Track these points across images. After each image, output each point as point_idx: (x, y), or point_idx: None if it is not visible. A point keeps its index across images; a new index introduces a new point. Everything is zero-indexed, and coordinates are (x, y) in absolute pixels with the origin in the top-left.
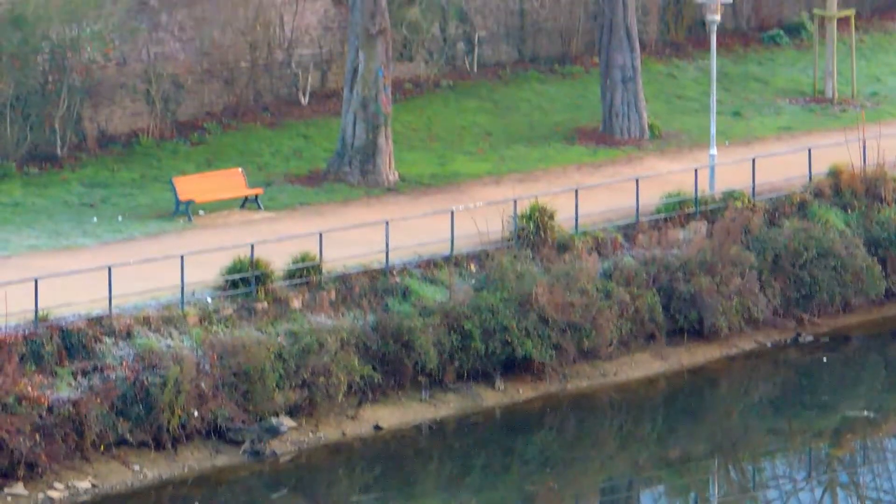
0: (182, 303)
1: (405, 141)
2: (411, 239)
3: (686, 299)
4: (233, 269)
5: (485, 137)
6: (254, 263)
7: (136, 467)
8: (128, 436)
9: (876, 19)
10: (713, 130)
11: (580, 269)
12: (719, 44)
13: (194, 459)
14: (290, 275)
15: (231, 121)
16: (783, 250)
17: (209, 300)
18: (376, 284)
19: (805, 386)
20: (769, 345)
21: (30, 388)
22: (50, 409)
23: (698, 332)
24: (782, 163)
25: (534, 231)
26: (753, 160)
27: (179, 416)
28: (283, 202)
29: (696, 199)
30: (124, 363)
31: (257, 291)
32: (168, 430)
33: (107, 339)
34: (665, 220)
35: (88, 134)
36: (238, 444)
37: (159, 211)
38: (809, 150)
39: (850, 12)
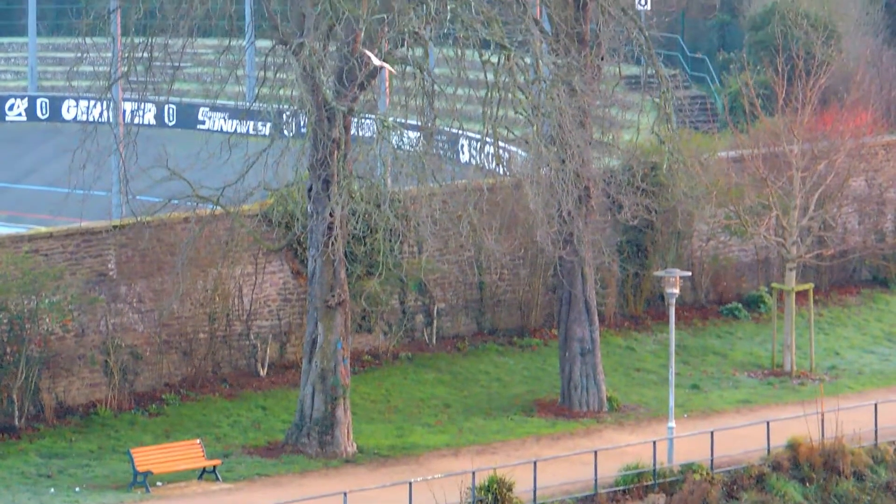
0: None
1: (364, 412)
2: None
3: None
4: None
5: (443, 409)
6: None
7: None
8: None
9: (834, 293)
10: (672, 403)
11: None
12: (678, 317)
13: None
14: None
15: (189, 392)
16: None
17: None
18: None
19: None
20: None
21: None
22: None
23: None
24: (741, 435)
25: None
26: (712, 433)
27: None
28: (241, 473)
29: (654, 471)
30: None
31: None
32: None
33: None
34: (623, 492)
35: (46, 405)
36: None
37: (117, 482)
38: (768, 423)
39: (809, 286)
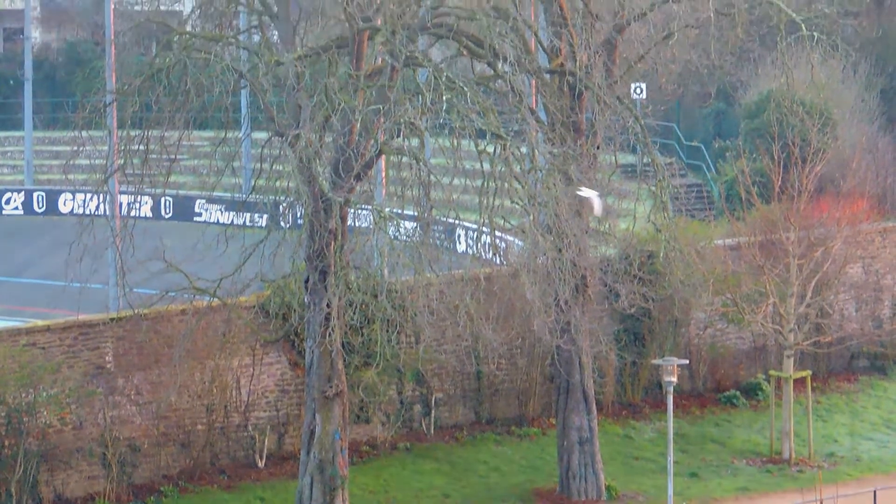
0: None
1: (363, 503)
2: None
3: None
4: None
5: (442, 500)
6: None
7: None
8: None
9: (832, 380)
10: (670, 491)
11: None
12: (676, 405)
13: None
14: None
15: (188, 484)
16: None
17: None
18: None
19: None
20: None
21: None
22: None
23: None
24: None
25: None
26: None
27: None
28: None
29: None
30: None
31: None
32: None
33: None
34: None
35: (45, 498)
36: None
37: None
38: None
39: (807, 373)
